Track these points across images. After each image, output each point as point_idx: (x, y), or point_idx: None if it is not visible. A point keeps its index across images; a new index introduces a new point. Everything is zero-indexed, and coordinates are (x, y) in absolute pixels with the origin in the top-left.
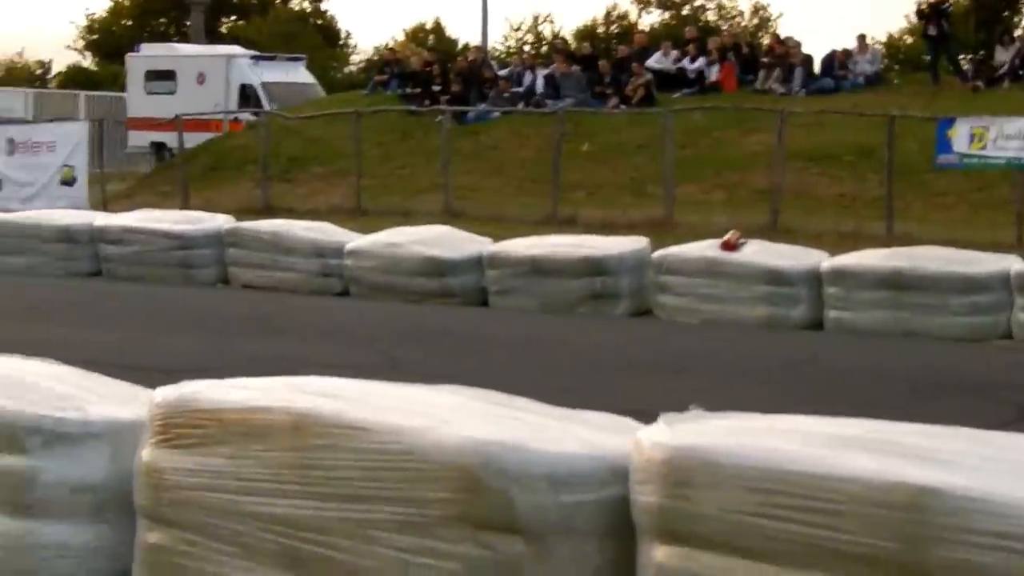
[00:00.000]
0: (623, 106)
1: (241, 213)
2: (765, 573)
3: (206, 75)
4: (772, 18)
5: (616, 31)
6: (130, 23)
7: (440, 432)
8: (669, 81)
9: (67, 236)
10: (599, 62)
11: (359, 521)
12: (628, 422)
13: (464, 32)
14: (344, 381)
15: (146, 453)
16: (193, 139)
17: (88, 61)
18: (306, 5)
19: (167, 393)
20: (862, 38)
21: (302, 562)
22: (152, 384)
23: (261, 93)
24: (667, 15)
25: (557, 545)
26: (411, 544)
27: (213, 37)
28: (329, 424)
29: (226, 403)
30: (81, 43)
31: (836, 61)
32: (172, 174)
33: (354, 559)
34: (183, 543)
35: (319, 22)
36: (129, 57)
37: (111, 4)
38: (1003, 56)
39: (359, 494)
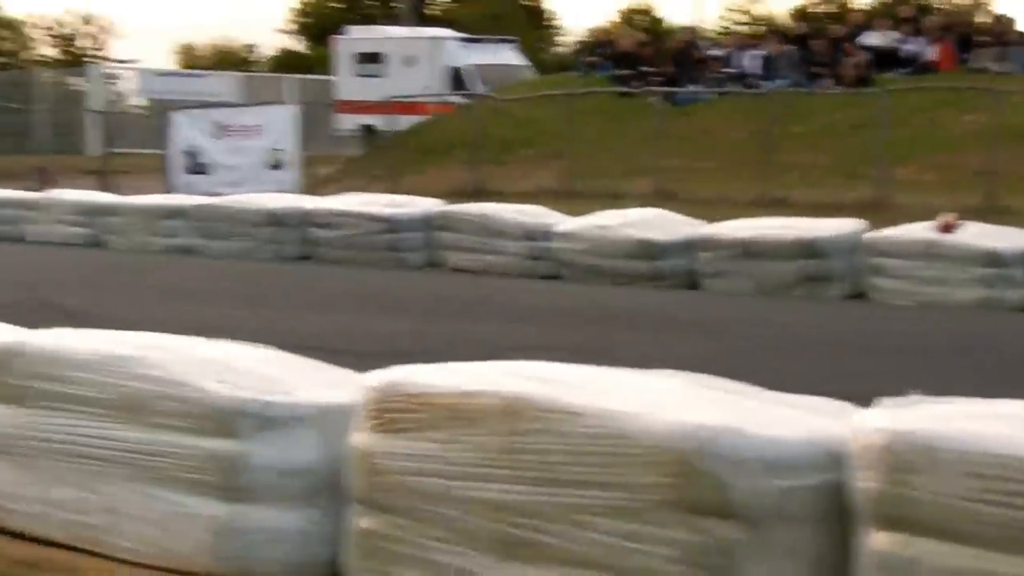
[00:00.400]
0: (837, 86)
1: (451, 196)
2: (984, 560)
3: (415, 58)
4: None
5: (831, 10)
6: (340, 6)
7: (654, 416)
8: (884, 60)
9: (276, 220)
10: (813, 42)
11: (571, 506)
12: (843, 406)
13: (676, 12)
14: (556, 365)
15: (357, 438)
16: (403, 122)
17: (298, 44)
18: None
19: (379, 378)
20: None
21: (513, 547)
22: (361, 368)
23: (471, 75)
24: None
25: (772, 530)
26: (623, 529)
27: (421, 20)
28: (542, 408)
29: (439, 388)
30: (291, 26)
31: None
32: (381, 157)
33: (566, 544)
34: (394, 528)
35: (527, 3)
36: (336, 40)
37: None
38: None
39: (571, 479)
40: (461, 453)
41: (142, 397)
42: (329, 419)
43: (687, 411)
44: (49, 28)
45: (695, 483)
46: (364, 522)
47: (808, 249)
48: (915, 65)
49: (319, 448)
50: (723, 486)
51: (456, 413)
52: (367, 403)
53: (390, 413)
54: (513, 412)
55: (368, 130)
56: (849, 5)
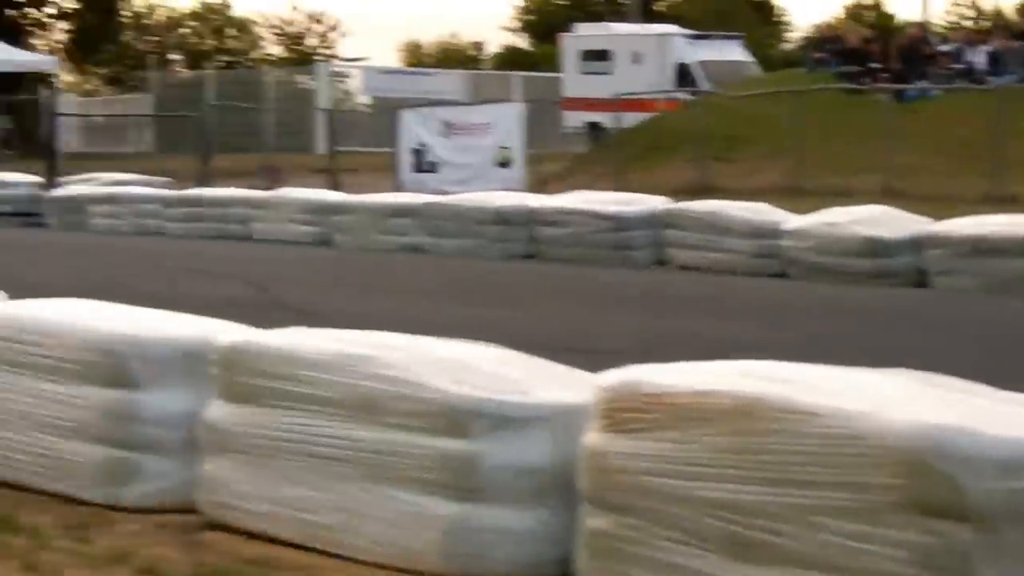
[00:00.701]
0: None
1: (677, 193)
2: None
3: (642, 55)
4: None
5: None
6: (566, 2)
7: (888, 416)
8: None
9: (502, 218)
10: None
11: (804, 506)
12: None
13: (903, 7)
14: (788, 365)
15: (590, 438)
16: (629, 119)
17: (523, 41)
18: None
19: (612, 377)
20: None
21: (746, 548)
22: (589, 367)
23: (697, 72)
24: None
25: (1007, 533)
26: (856, 531)
27: (648, 16)
28: (776, 408)
29: (672, 387)
30: (517, 24)
31: None
32: (607, 155)
33: (798, 545)
34: (626, 528)
35: None
36: (563, 37)
37: None
38: None
39: (804, 479)
40: (694, 453)
41: (377, 397)
42: (562, 419)
43: (920, 411)
44: (277, 27)
45: (928, 484)
46: (595, 522)
47: None
48: None
49: (552, 448)
50: (957, 487)
51: (689, 413)
52: (600, 403)
53: (623, 413)
54: (747, 412)
55: (594, 127)
56: None
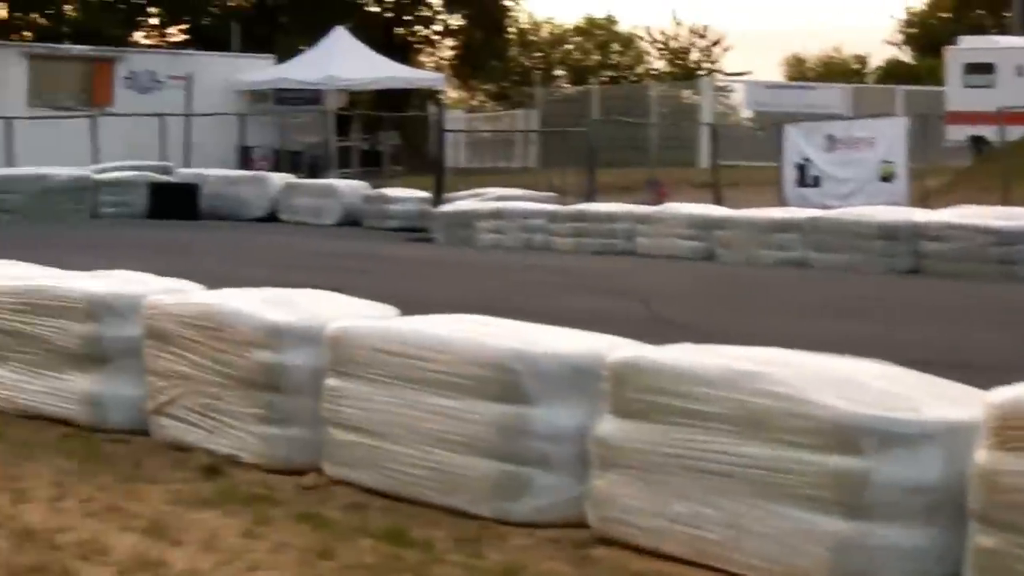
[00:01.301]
0: None
1: None
2: None
3: None
4: None
5: None
6: (948, 16)
7: None
8: None
9: (887, 233)
10: None
11: None
12: None
13: None
14: None
15: (981, 455)
16: (1013, 133)
17: (906, 55)
18: None
19: (1003, 394)
20: None
21: None
22: (978, 383)
23: None
24: None
25: None
26: None
27: None
28: None
29: None
30: (899, 37)
31: None
32: (991, 169)
33: None
34: (1016, 547)
35: None
36: (947, 50)
37: None
38: None
39: None
40: None
41: (766, 413)
42: (952, 436)
43: None
44: (661, 42)
45: None
46: (985, 540)
47: None
48: None
49: (941, 466)
50: None
51: None
52: (990, 420)
53: (1014, 431)
54: None
55: (976, 141)
56: None
